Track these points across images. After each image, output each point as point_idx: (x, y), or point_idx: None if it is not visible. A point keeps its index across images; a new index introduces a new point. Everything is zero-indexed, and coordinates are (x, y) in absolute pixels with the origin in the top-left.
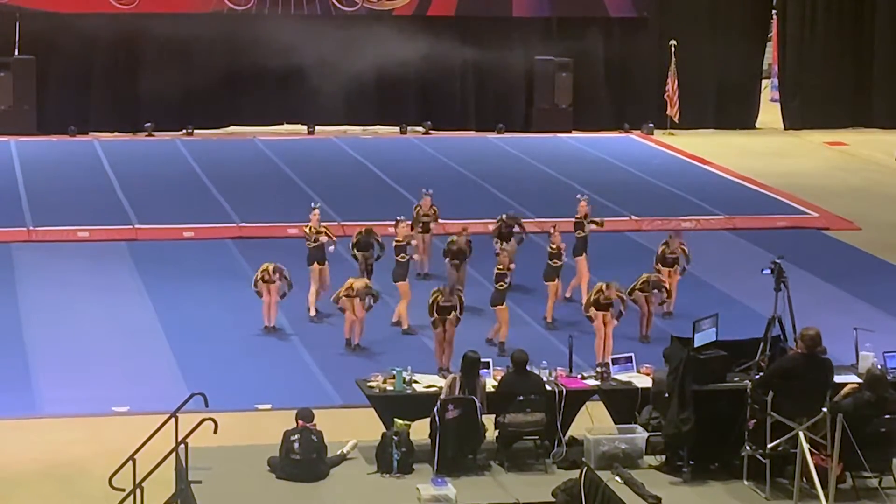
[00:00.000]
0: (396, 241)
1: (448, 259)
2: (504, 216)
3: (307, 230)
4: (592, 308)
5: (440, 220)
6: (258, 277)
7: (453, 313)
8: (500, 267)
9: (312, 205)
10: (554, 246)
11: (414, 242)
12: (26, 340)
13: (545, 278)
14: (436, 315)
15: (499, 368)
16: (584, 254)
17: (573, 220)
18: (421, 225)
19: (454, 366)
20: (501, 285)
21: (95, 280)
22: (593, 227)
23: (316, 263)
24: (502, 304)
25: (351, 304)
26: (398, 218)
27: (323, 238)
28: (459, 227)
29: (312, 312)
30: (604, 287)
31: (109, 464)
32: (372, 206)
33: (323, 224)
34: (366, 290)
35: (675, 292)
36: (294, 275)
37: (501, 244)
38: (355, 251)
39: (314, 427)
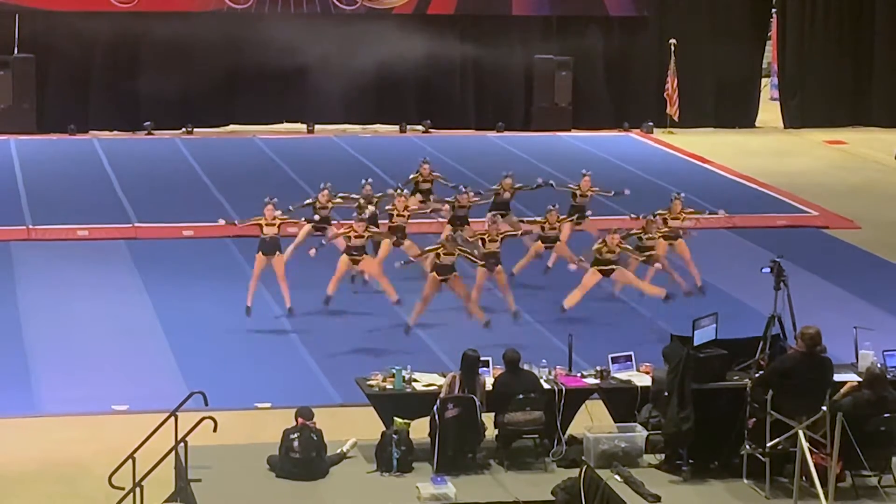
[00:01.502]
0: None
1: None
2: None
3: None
4: (594, 269)
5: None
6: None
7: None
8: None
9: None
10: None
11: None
12: (26, 339)
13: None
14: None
15: (499, 367)
16: (573, 218)
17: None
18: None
19: (456, 360)
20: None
21: (95, 279)
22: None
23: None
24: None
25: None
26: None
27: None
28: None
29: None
30: (606, 239)
31: (109, 462)
32: None
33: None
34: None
35: (692, 265)
36: (293, 273)
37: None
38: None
39: (314, 425)
